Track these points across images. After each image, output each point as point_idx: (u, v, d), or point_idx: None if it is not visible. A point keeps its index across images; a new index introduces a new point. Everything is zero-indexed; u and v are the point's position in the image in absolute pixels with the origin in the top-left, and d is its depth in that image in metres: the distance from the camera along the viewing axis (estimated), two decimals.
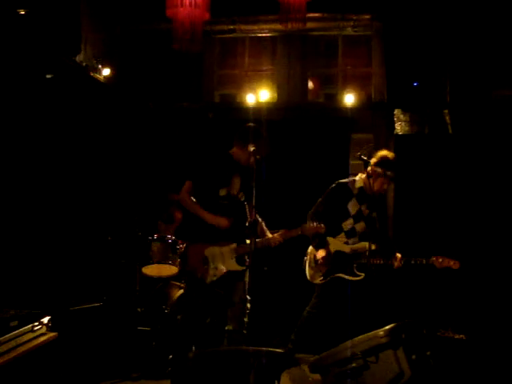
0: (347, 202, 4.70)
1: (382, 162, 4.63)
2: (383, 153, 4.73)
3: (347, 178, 4.98)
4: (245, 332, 4.04)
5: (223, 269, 4.00)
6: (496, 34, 6.36)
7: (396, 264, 4.59)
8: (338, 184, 4.77)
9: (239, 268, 4.08)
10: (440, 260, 4.44)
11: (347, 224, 4.71)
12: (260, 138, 4.09)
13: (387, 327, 3.31)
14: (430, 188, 6.44)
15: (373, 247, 4.60)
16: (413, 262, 4.58)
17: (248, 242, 4.00)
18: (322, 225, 4.24)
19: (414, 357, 3.27)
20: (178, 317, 4.46)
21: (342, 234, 4.74)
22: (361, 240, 4.71)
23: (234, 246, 4.06)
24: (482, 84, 6.50)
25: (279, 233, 4.18)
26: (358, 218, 4.70)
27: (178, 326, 4.16)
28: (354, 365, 3.28)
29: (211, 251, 4.00)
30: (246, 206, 3.98)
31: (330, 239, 4.74)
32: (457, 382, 3.91)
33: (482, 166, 6.24)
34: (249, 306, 4.12)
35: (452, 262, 4.42)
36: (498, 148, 6.25)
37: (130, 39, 7.31)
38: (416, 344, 3.37)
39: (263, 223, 4.31)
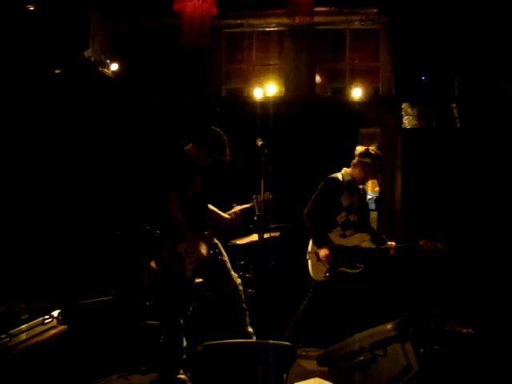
0: (340, 196, 4.76)
1: (368, 152, 4.78)
2: (365, 147, 4.91)
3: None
4: (246, 307, 4.16)
5: (196, 259, 4.05)
6: (504, 28, 6.32)
7: (391, 252, 4.72)
8: (329, 179, 4.84)
9: (211, 254, 4.17)
10: (428, 243, 4.58)
11: (341, 217, 4.76)
12: (224, 147, 4.20)
13: (395, 321, 3.32)
14: (438, 182, 6.43)
15: (367, 237, 4.74)
16: (404, 246, 4.79)
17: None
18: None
19: (421, 350, 3.27)
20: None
21: (338, 227, 4.76)
22: (356, 231, 4.77)
23: (206, 233, 4.14)
24: (490, 78, 6.47)
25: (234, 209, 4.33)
26: (350, 210, 4.76)
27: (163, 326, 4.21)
28: (361, 358, 3.28)
29: (183, 246, 4.02)
30: (256, 202, 4.00)
31: (329, 235, 4.76)
32: (464, 376, 3.91)
33: (491, 160, 6.22)
34: (239, 281, 4.23)
35: (438, 244, 4.57)
36: (507, 142, 6.23)
37: (138, 34, 7.33)
38: (424, 338, 3.37)
39: (214, 208, 4.40)
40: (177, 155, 4.20)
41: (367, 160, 4.74)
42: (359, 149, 4.86)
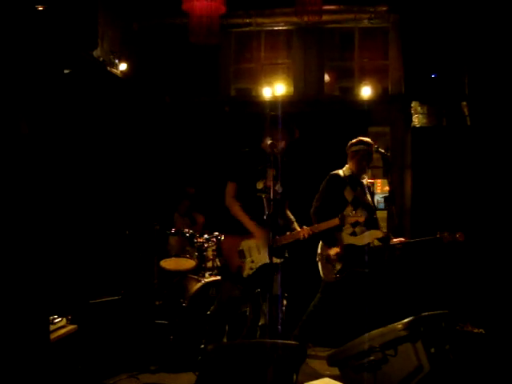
0: (343, 190, 4.79)
1: (354, 141, 4.88)
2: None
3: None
4: (279, 327, 3.90)
5: (260, 261, 3.91)
6: None
7: (397, 253, 4.81)
8: (330, 175, 4.89)
9: (276, 260, 3.87)
10: (446, 234, 4.58)
11: (348, 212, 4.71)
12: (275, 127, 4.06)
13: (406, 320, 3.29)
14: (448, 181, 6.39)
15: (380, 234, 4.74)
16: (419, 240, 4.83)
17: (288, 233, 4.05)
18: (360, 213, 4.36)
19: (432, 350, 3.25)
20: (210, 310, 4.40)
21: (347, 225, 4.73)
22: (366, 228, 4.74)
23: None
24: (501, 76, 6.41)
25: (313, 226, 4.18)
26: (355, 204, 4.75)
27: (209, 318, 4.13)
28: (372, 358, 3.27)
29: (247, 244, 3.93)
30: (264, 200, 3.90)
31: (338, 234, 4.73)
32: (476, 377, 3.88)
33: (501, 159, 6.17)
34: (285, 302, 4.08)
35: (457, 235, 4.56)
36: None
37: (147, 34, 7.33)
38: (435, 337, 3.35)
39: (295, 223, 4.25)
40: (248, 148, 4.14)
41: (355, 148, 4.84)
42: (348, 143, 4.96)
